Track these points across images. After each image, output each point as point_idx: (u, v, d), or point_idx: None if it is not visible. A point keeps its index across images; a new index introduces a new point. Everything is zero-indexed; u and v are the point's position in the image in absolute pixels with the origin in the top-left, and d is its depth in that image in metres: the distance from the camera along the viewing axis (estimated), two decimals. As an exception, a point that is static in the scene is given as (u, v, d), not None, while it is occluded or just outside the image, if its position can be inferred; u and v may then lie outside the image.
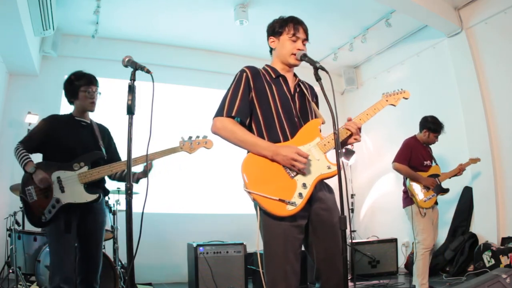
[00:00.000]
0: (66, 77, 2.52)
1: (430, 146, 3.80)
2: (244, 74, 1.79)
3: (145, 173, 2.50)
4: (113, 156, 2.59)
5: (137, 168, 2.47)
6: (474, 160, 3.90)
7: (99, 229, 2.43)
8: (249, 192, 1.60)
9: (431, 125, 3.67)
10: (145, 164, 2.41)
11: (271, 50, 1.95)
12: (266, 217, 1.62)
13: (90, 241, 2.37)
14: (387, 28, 5.10)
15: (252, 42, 5.49)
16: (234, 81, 1.79)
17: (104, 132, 2.62)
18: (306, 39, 1.87)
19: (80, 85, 2.44)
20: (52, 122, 2.42)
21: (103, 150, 2.50)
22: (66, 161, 2.33)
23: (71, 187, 2.28)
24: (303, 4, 4.70)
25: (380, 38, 5.59)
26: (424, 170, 3.61)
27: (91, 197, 2.31)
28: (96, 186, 2.40)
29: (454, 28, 4.77)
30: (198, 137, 2.63)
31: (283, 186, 1.61)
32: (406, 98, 1.99)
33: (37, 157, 2.37)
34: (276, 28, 1.87)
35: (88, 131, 2.50)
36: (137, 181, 2.50)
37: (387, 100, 1.95)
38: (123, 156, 2.54)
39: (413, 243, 3.48)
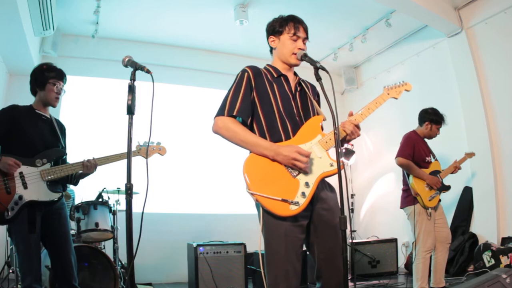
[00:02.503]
0: (36, 65, 2.47)
1: (427, 141, 3.66)
2: (246, 73, 1.79)
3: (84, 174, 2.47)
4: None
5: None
6: (470, 155, 3.79)
7: (65, 225, 2.38)
8: (251, 194, 1.59)
9: (433, 117, 3.53)
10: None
11: (271, 49, 1.94)
12: (268, 217, 1.61)
13: (60, 240, 2.32)
14: (387, 28, 5.10)
15: (252, 42, 5.49)
16: (236, 80, 1.79)
17: (62, 128, 2.57)
18: (307, 38, 1.87)
19: (50, 77, 2.38)
20: (13, 113, 2.33)
21: (64, 147, 2.46)
22: (26, 155, 2.25)
23: (34, 184, 2.22)
24: (303, 4, 4.69)
25: (380, 38, 5.59)
26: (425, 167, 3.44)
27: (55, 196, 2.28)
28: (56, 183, 2.36)
29: (454, 28, 4.77)
30: (152, 143, 2.69)
31: (285, 186, 1.61)
32: (408, 90, 1.97)
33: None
34: (276, 28, 1.87)
35: (49, 126, 2.45)
36: (76, 182, 2.50)
37: (388, 93, 1.93)
38: (70, 159, 2.54)
39: (413, 243, 3.40)
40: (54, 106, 2.45)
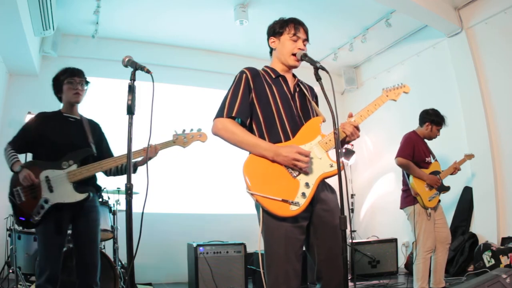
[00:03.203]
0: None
1: (427, 142, 3.66)
2: (244, 75, 1.79)
3: (143, 161, 2.43)
4: (105, 152, 2.53)
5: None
6: (469, 156, 3.79)
7: (93, 227, 2.37)
8: (252, 194, 1.59)
9: (434, 118, 3.52)
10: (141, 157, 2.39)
11: (271, 51, 1.94)
12: (268, 218, 1.61)
13: (85, 242, 2.32)
14: (387, 28, 5.10)
15: (252, 42, 5.49)
16: (234, 82, 1.79)
17: (95, 127, 2.57)
18: (307, 39, 1.87)
19: (63, 79, 2.43)
20: (40, 120, 2.39)
21: (93, 146, 2.44)
22: (55, 159, 2.28)
23: (60, 187, 2.23)
24: (303, 4, 4.69)
25: (380, 38, 5.59)
26: (425, 167, 3.44)
27: (81, 196, 2.27)
28: (86, 184, 2.36)
29: (454, 28, 4.77)
30: (192, 130, 2.55)
31: (285, 186, 1.61)
32: (406, 92, 1.98)
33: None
34: (276, 29, 1.87)
35: (77, 127, 2.46)
36: (135, 170, 2.44)
37: (387, 95, 1.94)
38: (116, 152, 2.52)
39: (413, 243, 3.40)
40: (78, 102, 2.48)
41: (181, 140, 2.51)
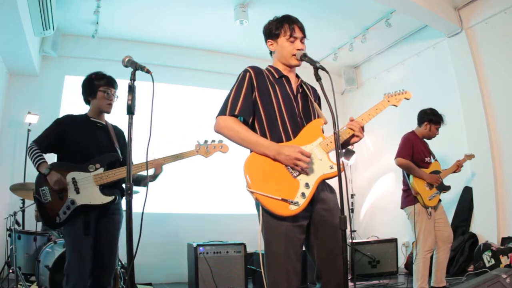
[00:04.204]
0: (85, 76, 2.51)
1: (428, 142, 3.68)
2: (248, 73, 1.80)
3: (154, 177, 2.51)
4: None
5: (149, 171, 2.48)
6: (469, 157, 3.79)
7: (116, 230, 2.39)
8: (251, 192, 1.59)
9: (433, 117, 3.53)
10: (154, 168, 2.44)
11: (271, 52, 1.94)
12: (268, 217, 1.61)
13: (106, 243, 2.33)
14: (387, 28, 5.10)
15: (252, 42, 5.48)
16: (238, 80, 1.80)
17: (120, 134, 2.60)
18: (304, 36, 1.86)
19: (100, 85, 2.43)
20: (67, 122, 2.40)
21: (119, 152, 2.47)
22: (81, 162, 2.30)
23: (86, 189, 2.26)
24: (303, 4, 4.70)
25: (380, 38, 5.59)
26: (425, 167, 3.45)
27: (107, 199, 2.29)
28: (113, 187, 2.37)
29: (454, 28, 4.78)
30: (213, 141, 2.64)
31: (285, 186, 1.61)
32: (408, 99, 2.00)
33: (51, 157, 2.36)
34: (272, 31, 1.87)
35: (104, 132, 2.49)
36: (146, 185, 2.48)
37: (388, 101, 1.96)
38: (135, 160, 2.54)
39: (413, 243, 3.41)
40: (108, 113, 2.50)
41: (204, 150, 2.60)
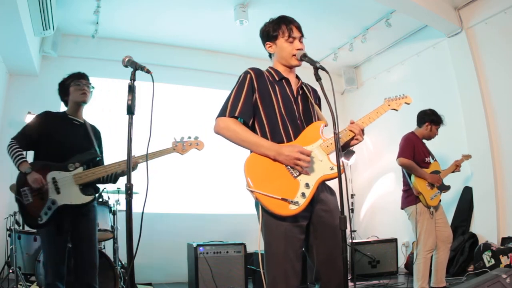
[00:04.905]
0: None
1: (427, 142, 3.68)
2: (248, 75, 1.79)
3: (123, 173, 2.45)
4: (101, 159, 2.56)
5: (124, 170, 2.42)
6: (467, 157, 3.79)
7: (92, 226, 2.39)
8: (251, 191, 1.59)
9: (433, 117, 3.54)
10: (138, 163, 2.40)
11: (270, 54, 1.94)
12: (268, 217, 1.62)
13: (84, 240, 2.33)
14: (387, 28, 5.10)
15: (252, 42, 5.43)
16: (238, 82, 1.79)
17: (97, 133, 2.60)
18: (302, 35, 1.86)
19: (70, 82, 2.46)
20: (46, 118, 2.40)
21: (97, 150, 2.47)
22: (59, 160, 2.29)
23: (67, 188, 2.24)
24: (303, 4, 4.70)
25: (380, 38, 5.59)
26: (425, 167, 3.46)
27: (87, 199, 2.29)
28: (88, 185, 2.37)
29: (454, 28, 4.78)
30: (189, 137, 2.61)
31: (286, 186, 1.61)
32: (408, 103, 2.00)
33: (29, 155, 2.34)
34: (270, 33, 1.86)
35: (82, 130, 2.48)
36: (115, 180, 2.48)
37: (389, 105, 1.96)
38: (116, 154, 2.52)
39: (413, 243, 3.41)
40: (85, 102, 2.50)
41: (180, 147, 2.56)
